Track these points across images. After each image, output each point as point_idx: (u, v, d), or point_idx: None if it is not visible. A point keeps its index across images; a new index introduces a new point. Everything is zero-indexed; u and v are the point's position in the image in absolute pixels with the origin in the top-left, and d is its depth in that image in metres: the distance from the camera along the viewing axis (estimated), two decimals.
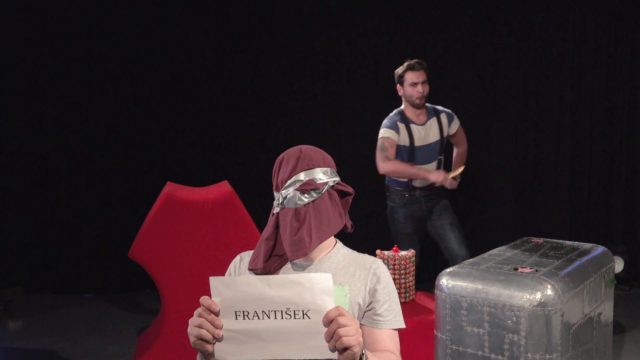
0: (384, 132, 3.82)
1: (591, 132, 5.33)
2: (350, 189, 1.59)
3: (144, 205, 3.89)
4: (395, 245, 3.16)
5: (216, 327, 1.23)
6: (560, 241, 2.81)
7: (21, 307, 4.83)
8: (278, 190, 1.53)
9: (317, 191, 1.49)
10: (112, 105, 5.15)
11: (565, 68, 5.30)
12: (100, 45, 5.09)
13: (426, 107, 3.90)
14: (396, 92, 3.91)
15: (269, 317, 1.22)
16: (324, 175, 1.52)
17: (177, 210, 3.27)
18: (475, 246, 4.31)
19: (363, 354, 1.26)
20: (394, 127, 3.80)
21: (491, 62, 5.32)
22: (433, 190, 3.91)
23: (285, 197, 1.50)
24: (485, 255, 2.57)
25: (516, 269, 2.23)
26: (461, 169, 3.89)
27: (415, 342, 2.92)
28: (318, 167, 1.52)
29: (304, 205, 1.48)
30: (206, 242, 3.29)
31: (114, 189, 5.18)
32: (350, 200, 1.61)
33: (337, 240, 1.63)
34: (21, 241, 5.15)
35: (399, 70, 3.82)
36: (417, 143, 3.83)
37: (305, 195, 1.49)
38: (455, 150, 4.16)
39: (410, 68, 3.78)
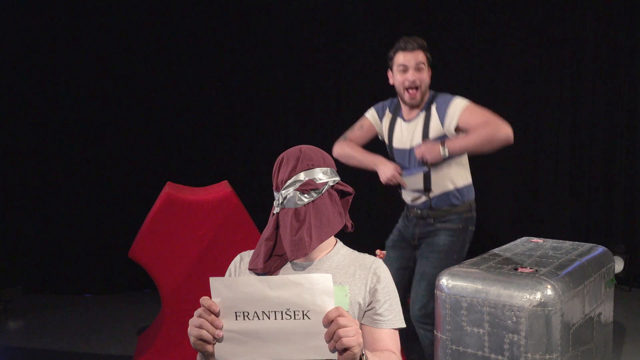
0: (367, 111, 3.06)
1: (591, 132, 5.33)
2: (350, 189, 1.59)
3: (144, 205, 3.89)
4: None
5: (216, 327, 1.23)
6: (560, 241, 2.81)
7: (21, 307, 4.83)
8: (278, 190, 1.53)
9: (317, 191, 1.49)
10: (112, 106, 5.15)
11: (565, 68, 5.30)
12: (101, 46, 5.09)
13: (428, 95, 2.86)
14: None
15: (269, 318, 1.22)
16: (323, 175, 1.52)
17: (177, 210, 3.27)
18: (476, 246, 4.30)
19: (363, 354, 1.26)
20: (380, 110, 3.00)
21: (491, 61, 5.33)
22: (428, 216, 2.87)
23: (285, 197, 1.50)
24: (485, 255, 2.57)
25: (516, 269, 2.23)
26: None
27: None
28: (318, 167, 1.52)
29: (304, 205, 1.48)
30: (206, 242, 3.29)
31: (114, 189, 5.18)
32: (350, 200, 1.61)
33: (338, 240, 1.63)
34: (21, 241, 5.15)
35: (390, 52, 2.87)
36: (395, 144, 2.91)
37: (305, 195, 1.49)
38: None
39: (400, 48, 2.78)
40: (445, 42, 5.33)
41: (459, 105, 2.71)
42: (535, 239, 2.89)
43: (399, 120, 2.89)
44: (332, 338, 1.20)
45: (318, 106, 5.39)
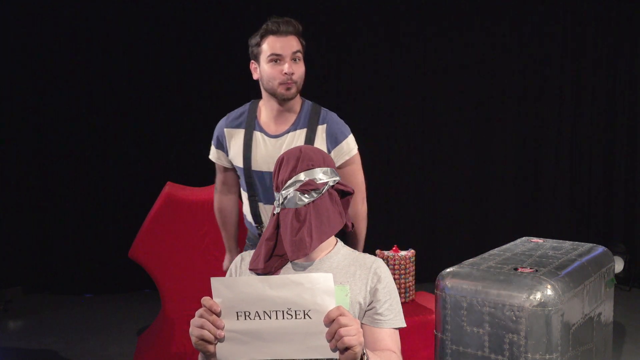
0: (211, 151, 2.45)
1: (591, 132, 5.34)
2: (350, 189, 1.59)
3: (144, 205, 3.89)
4: (395, 245, 3.16)
5: (217, 327, 1.23)
6: (560, 241, 2.81)
7: (21, 307, 4.83)
8: (278, 190, 1.53)
9: (317, 191, 1.50)
10: (112, 105, 5.15)
11: (565, 68, 5.31)
12: (100, 45, 5.09)
13: (303, 105, 2.23)
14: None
15: (270, 318, 1.22)
16: (324, 175, 1.52)
17: (177, 210, 3.27)
18: (476, 246, 4.30)
19: (364, 353, 1.26)
20: (218, 138, 2.35)
21: (491, 62, 5.33)
22: None
23: (285, 198, 1.50)
24: (485, 255, 2.57)
25: (516, 269, 2.23)
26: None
27: (415, 342, 2.92)
28: (318, 167, 1.52)
29: (304, 205, 1.48)
30: (206, 242, 3.30)
31: (114, 189, 5.18)
32: (350, 200, 1.61)
33: (338, 239, 1.63)
34: (21, 241, 5.15)
35: (253, 39, 2.16)
36: (255, 166, 2.19)
37: (306, 195, 1.49)
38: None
39: (271, 31, 2.10)
40: (445, 41, 5.33)
41: (353, 148, 2.23)
42: (535, 239, 2.89)
43: (259, 136, 2.19)
44: (334, 337, 1.20)
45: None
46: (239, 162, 2.23)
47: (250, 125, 2.20)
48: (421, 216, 5.39)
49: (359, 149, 2.32)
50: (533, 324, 2.02)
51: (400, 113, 5.38)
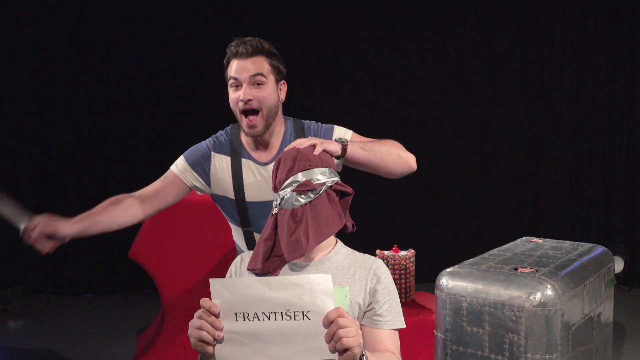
0: (177, 161, 2.18)
1: (591, 132, 5.34)
2: (349, 189, 1.58)
3: None
4: (395, 245, 3.16)
5: (216, 328, 1.23)
6: (560, 241, 2.81)
7: (21, 307, 4.83)
8: (276, 191, 1.53)
9: (314, 192, 1.49)
10: (112, 105, 5.15)
11: (565, 68, 5.31)
12: (100, 45, 5.09)
13: (286, 124, 2.04)
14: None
15: (269, 319, 1.22)
16: (322, 176, 1.51)
17: (177, 210, 3.26)
18: (476, 246, 4.30)
19: (363, 354, 1.26)
20: (196, 157, 2.09)
21: (491, 62, 5.33)
22: None
23: (282, 198, 1.49)
24: (485, 255, 2.57)
25: (516, 269, 2.23)
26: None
27: (415, 342, 2.92)
28: (316, 167, 1.52)
29: (301, 206, 1.48)
30: (206, 242, 3.29)
31: (114, 189, 5.16)
32: (349, 200, 1.60)
33: (338, 240, 1.62)
34: (21, 241, 5.14)
35: (224, 60, 1.96)
36: (250, 197, 1.99)
37: (302, 196, 1.48)
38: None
39: (232, 53, 1.90)
40: (445, 40, 5.33)
41: (347, 131, 2.05)
42: (535, 239, 2.88)
43: (247, 164, 1.99)
44: (332, 339, 1.20)
45: (317, 105, 5.38)
46: (228, 193, 2.02)
47: (237, 153, 1.99)
48: (421, 216, 5.39)
49: None
50: (533, 324, 2.02)
51: (400, 113, 5.38)
